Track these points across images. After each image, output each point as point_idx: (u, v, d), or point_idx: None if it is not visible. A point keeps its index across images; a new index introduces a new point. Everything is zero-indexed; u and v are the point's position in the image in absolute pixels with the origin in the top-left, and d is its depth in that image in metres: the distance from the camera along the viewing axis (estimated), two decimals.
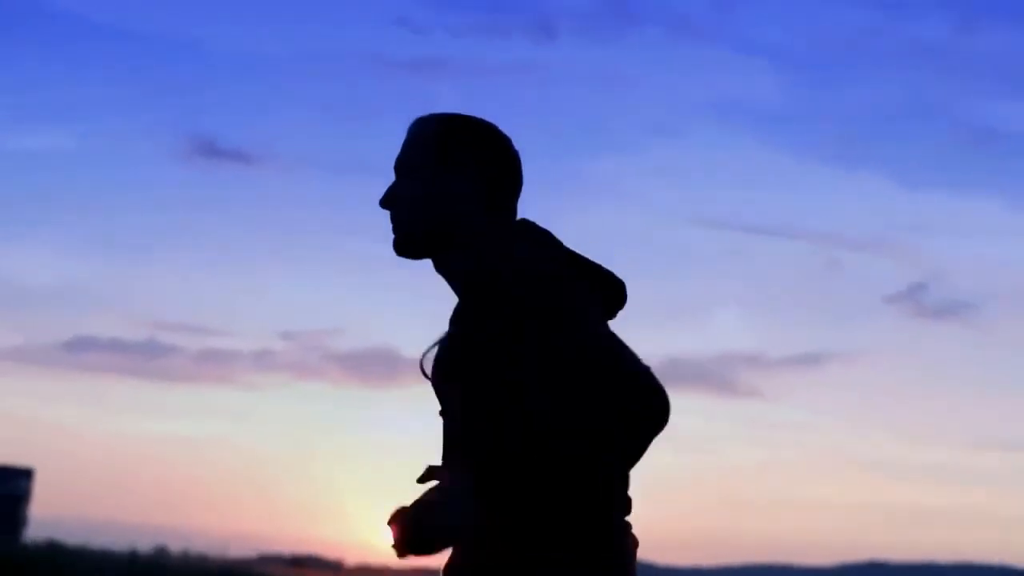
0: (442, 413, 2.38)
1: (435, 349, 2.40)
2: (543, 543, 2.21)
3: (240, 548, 24.47)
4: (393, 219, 2.43)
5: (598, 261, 2.37)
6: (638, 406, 2.18)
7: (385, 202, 2.44)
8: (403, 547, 2.26)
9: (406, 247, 2.42)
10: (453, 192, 2.38)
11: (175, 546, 23.54)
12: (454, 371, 2.31)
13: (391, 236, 2.44)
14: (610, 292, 2.36)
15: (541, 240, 2.35)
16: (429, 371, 2.40)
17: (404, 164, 2.43)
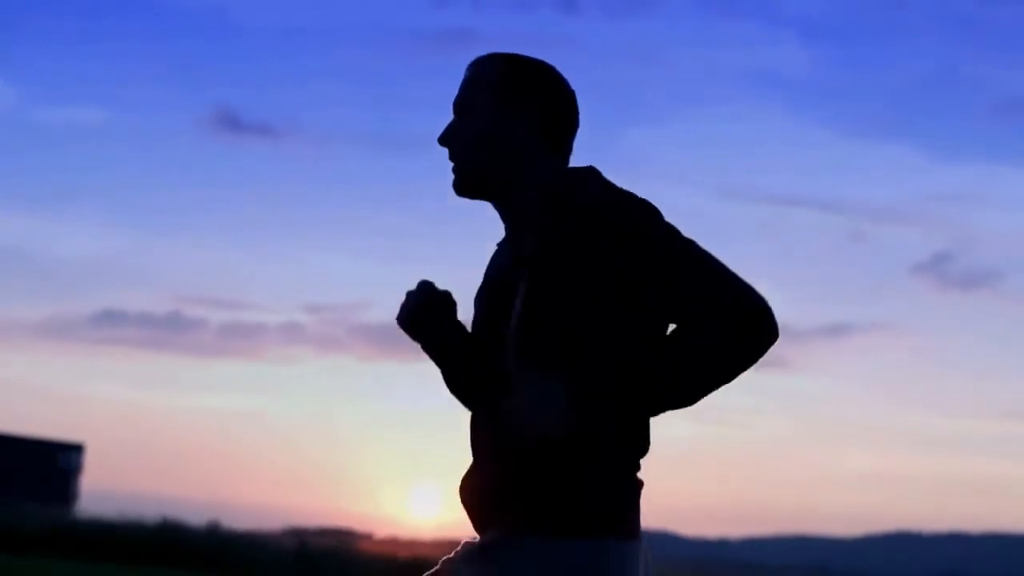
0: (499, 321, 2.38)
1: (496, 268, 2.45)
2: (604, 454, 2.26)
3: (269, 520, 24.71)
4: (453, 158, 2.43)
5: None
6: (744, 323, 2.24)
7: (444, 139, 2.44)
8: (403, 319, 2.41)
9: (467, 187, 2.43)
10: (515, 132, 2.39)
11: (200, 519, 23.81)
12: (551, 272, 2.29)
13: (450, 176, 2.44)
14: None
15: (605, 181, 2.37)
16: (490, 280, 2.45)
17: (465, 103, 2.44)
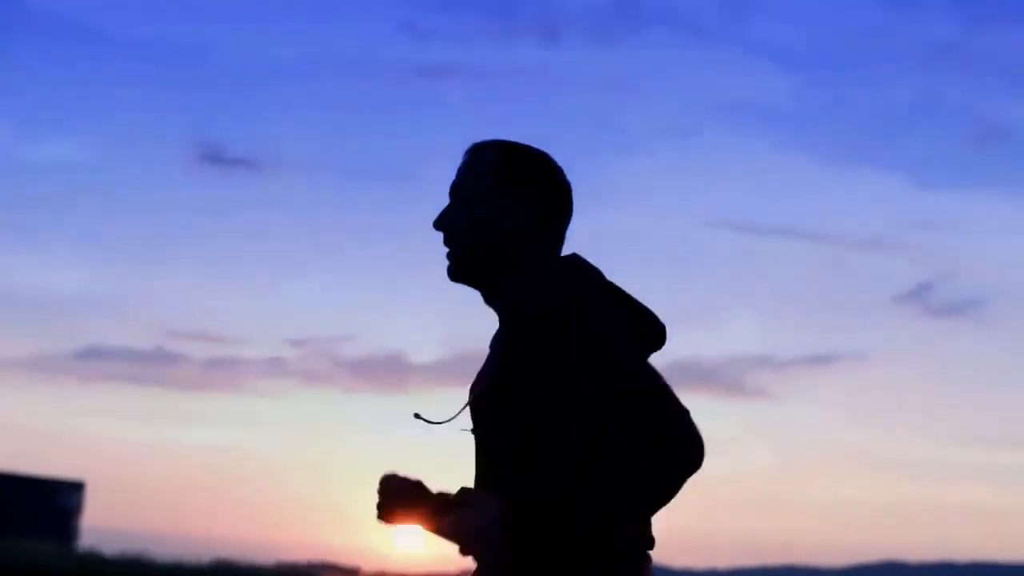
0: (475, 433, 2.42)
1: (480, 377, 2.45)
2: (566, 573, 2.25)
3: (258, 554, 24.73)
4: (447, 242, 2.44)
5: (639, 301, 2.41)
6: (681, 450, 2.23)
7: (440, 224, 2.45)
8: (382, 512, 2.35)
9: (461, 273, 2.43)
10: (510, 219, 2.40)
11: (191, 553, 23.90)
12: (502, 395, 2.33)
13: (444, 261, 2.45)
14: (650, 331, 2.39)
15: (589, 274, 2.39)
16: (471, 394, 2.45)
17: (461, 188, 2.45)
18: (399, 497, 2.31)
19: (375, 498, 2.34)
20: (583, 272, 2.37)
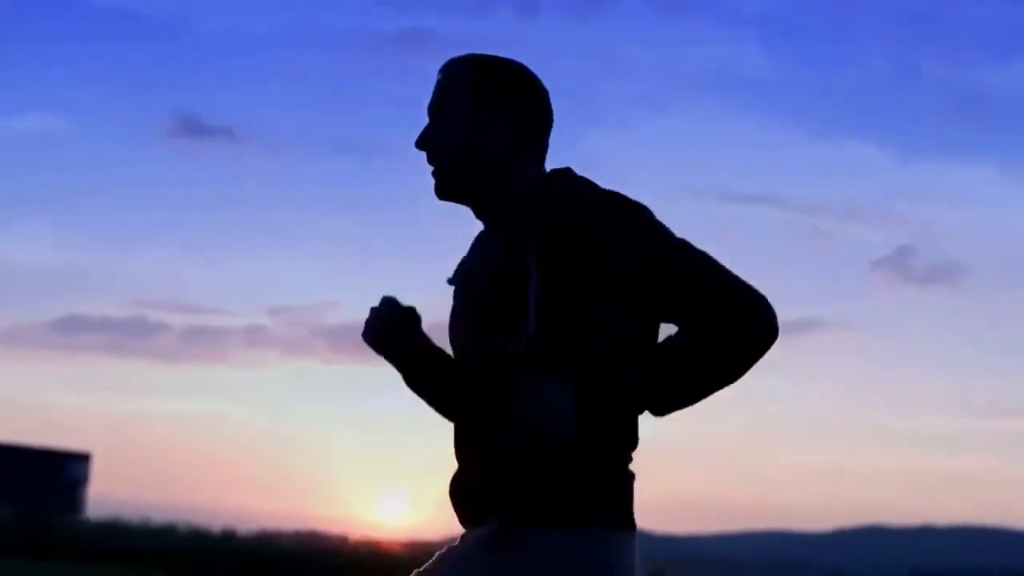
0: (464, 317, 2.40)
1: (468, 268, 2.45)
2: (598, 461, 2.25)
3: (243, 525, 24.95)
4: (432, 162, 2.42)
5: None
6: (747, 320, 2.23)
7: (421, 143, 2.43)
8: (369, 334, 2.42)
9: (448, 191, 2.41)
10: (491, 134, 2.38)
11: (177, 523, 24.19)
12: (519, 274, 2.28)
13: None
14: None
15: (587, 181, 2.36)
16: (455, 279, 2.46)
17: (439, 107, 2.42)
18: (394, 326, 2.42)
19: (372, 316, 2.42)
20: (581, 183, 2.35)
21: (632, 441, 2.31)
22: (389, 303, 2.44)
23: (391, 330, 2.44)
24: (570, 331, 2.25)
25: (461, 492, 2.36)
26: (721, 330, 2.22)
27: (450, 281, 2.44)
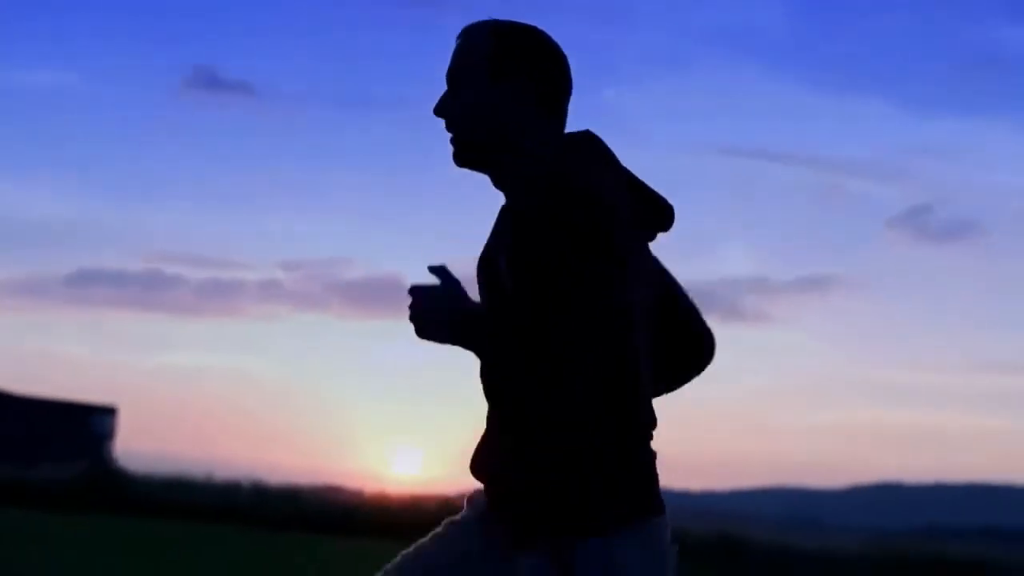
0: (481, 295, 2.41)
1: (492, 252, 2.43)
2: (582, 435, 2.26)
3: (256, 477, 25.23)
4: (449, 128, 2.40)
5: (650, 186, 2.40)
6: (693, 345, 2.47)
7: (439, 111, 2.41)
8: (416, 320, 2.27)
9: (466, 158, 2.40)
10: (508, 101, 2.36)
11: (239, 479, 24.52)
12: (507, 262, 2.29)
13: (449, 148, 2.41)
14: (656, 213, 2.39)
15: (597, 154, 2.36)
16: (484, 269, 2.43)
17: (457, 73, 2.41)
18: (446, 317, 2.26)
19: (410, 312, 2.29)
20: (592, 151, 2.35)
21: (649, 421, 2.33)
22: (421, 292, 2.28)
23: (437, 316, 2.27)
24: (571, 317, 2.19)
25: (484, 476, 2.39)
26: (683, 355, 2.47)
27: (431, 268, 2.32)
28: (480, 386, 2.37)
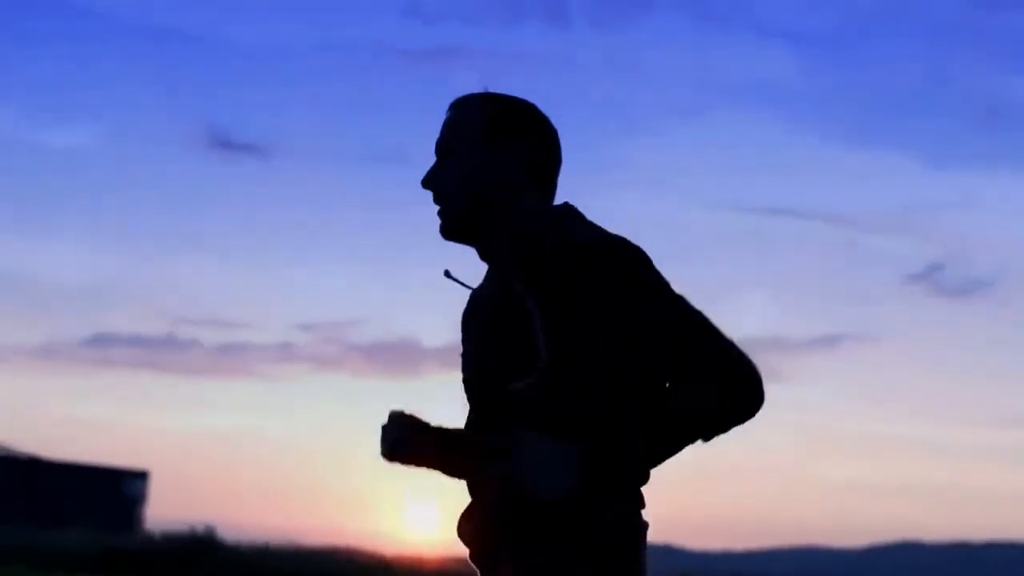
0: (474, 377, 2.36)
1: (475, 293, 2.41)
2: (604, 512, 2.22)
3: (271, 539, 25.25)
4: (437, 201, 2.37)
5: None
6: (738, 387, 2.24)
7: (428, 182, 2.38)
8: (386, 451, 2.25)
9: (454, 230, 2.37)
10: (500, 172, 2.34)
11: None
12: (518, 317, 2.25)
13: (435, 221, 2.39)
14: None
15: (585, 221, 2.34)
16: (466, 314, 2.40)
17: (448, 144, 2.38)
18: (412, 433, 2.23)
19: (385, 435, 2.25)
20: (578, 217, 2.35)
21: (641, 482, 2.29)
22: (396, 419, 2.25)
23: (407, 446, 2.24)
24: (576, 378, 2.19)
25: (469, 541, 2.35)
26: (722, 393, 2.23)
27: (447, 274, 2.37)
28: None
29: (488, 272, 2.41)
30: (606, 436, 2.21)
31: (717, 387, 2.23)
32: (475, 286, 2.43)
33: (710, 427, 2.27)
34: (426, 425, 2.24)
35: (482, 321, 2.36)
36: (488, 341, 2.33)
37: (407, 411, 2.25)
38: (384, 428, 2.25)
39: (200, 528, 23.07)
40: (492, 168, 2.34)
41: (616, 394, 2.21)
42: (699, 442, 2.29)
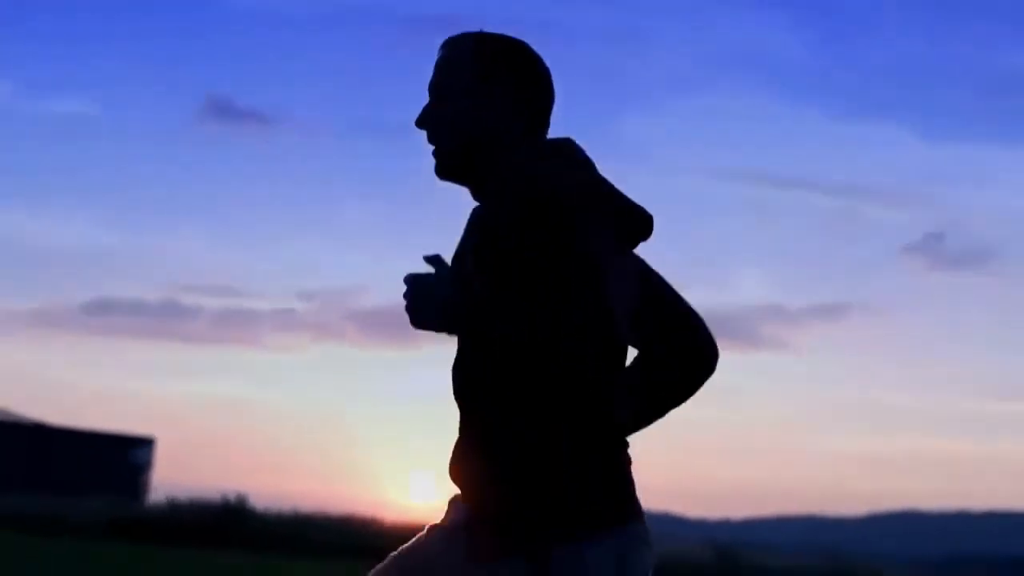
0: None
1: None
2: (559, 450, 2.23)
3: (272, 505, 25.48)
4: (432, 140, 2.39)
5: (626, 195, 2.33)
6: (695, 350, 2.31)
7: (421, 122, 2.40)
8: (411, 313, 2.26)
9: (449, 169, 2.38)
10: (490, 109, 2.35)
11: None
12: (477, 263, 2.28)
13: (431, 160, 2.40)
14: (635, 223, 2.31)
15: (572, 159, 2.33)
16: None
17: (440, 85, 2.40)
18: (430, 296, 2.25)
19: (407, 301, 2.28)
20: (567, 156, 2.34)
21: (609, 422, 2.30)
22: (413, 280, 2.28)
23: (429, 303, 2.26)
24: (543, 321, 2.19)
25: (460, 482, 2.37)
26: (683, 364, 2.33)
27: (426, 258, 2.34)
28: (452, 387, 2.37)
29: (471, 213, 2.42)
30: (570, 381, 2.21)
31: (680, 358, 2.32)
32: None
33: (675, 397, 2.36)
34: (444, 272, 2.27)
35: (457, 263, 2.39)
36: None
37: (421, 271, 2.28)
38: (405, 293, 2.28)
39: (231, 496, 23.09)
40: (485, 107, 2.36)
41: (578, 333, 2.19)
42: (665, 412, 2.37)
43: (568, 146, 2.36)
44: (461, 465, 2.36)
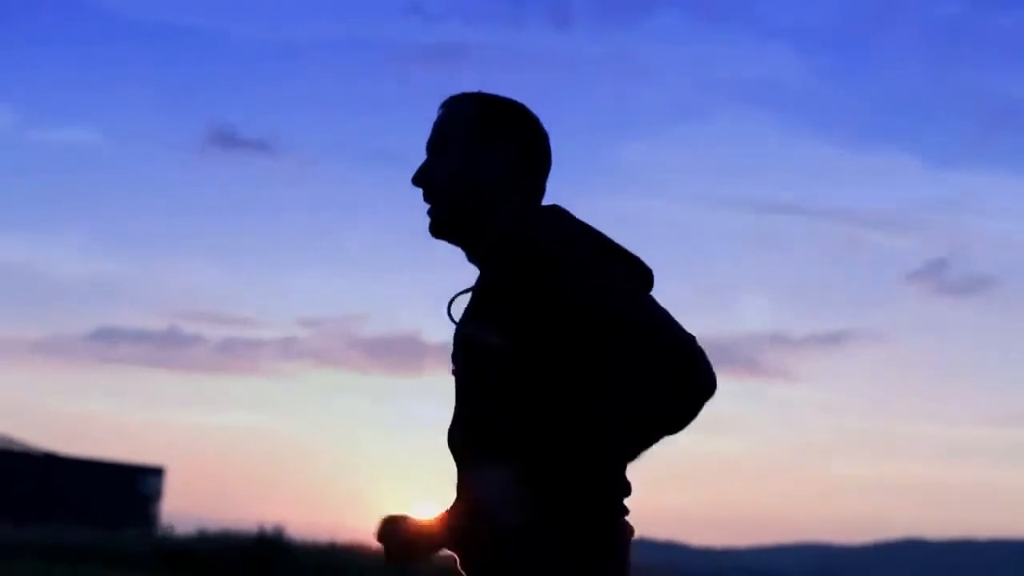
0: (457, 377, 2.36)
1: (463, 299, 2.40)
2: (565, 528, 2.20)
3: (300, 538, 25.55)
4: (427, 198, 2.38)
5: (626, 247, 2.32)
6: (689, 374, 2.14)
7: (418, 179, 2.39)
8: (388, 557, 2.32)
9: (443, 228, 2.38)
10: (490, 172, 2.34)
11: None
12: (491, 345, 2.25)
13: (426, 219, 2.40)
14: (640, 275, 2.29)
15: (572, 220, 2.33)
16: (455, 317, 2.39)
17: (438, 143, 2.39)
18: (402, 538, 2.32)
19: (381, 543, 2.35)
20: (561, 222, 2.31)
21: (621, 491, 2.27)
22: (385, 530, 2.35)
23: (401, 549, 2.34)
24: (536, 404, 2.19)
25: (455, 546, 2.35)
26: (679, 388, 2.14)
27: (450, 316, 2.38)
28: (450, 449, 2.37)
29: (476, 283, 2.40)
30: (552, 455, 2.18)
31: (678, 395, 2.16)
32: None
33: (672, 424, 2.21)
34: (414, 525, 2.32)
35: (463, 344, 2.35)
36: (462, 356, 2.34)
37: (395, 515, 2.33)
38: (379, 536, 2.34)
39: (268, 529, 22.98)
40: (481, 168, 2.35)
41: (565, 412, 2.18)
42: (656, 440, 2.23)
43: (561, 210, 2.36)
44: (455, 526, 2.32)
